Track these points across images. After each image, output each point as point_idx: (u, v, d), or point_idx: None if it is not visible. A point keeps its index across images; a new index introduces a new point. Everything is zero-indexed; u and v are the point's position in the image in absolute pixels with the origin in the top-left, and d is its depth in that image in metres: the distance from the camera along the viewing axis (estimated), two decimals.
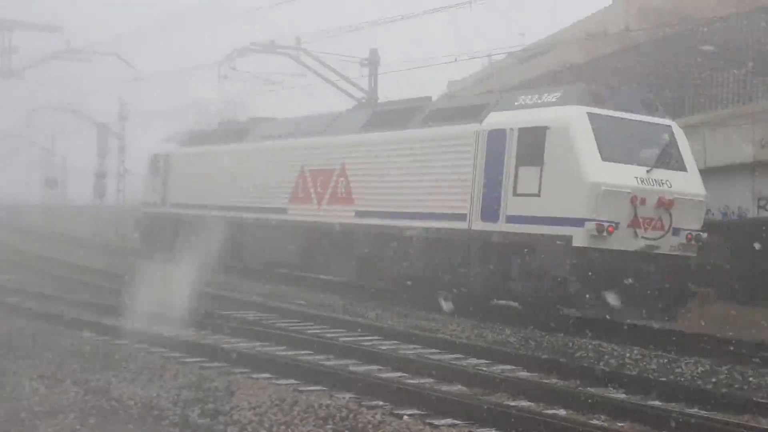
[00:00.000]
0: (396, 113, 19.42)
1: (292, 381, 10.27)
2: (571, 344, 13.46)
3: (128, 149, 43.29)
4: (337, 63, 25.39)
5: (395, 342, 13.44)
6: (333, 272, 20.98)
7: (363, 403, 9.08)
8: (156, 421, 8.73)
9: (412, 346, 13.02)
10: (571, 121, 14.96)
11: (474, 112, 17.08)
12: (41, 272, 24.65)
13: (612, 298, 14.32)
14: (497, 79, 42.93)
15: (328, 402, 8.89)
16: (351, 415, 8.49)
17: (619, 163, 14.89)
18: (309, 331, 14.16)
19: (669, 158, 15.50)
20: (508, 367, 11.51)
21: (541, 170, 15.09)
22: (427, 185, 17.42)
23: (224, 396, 9.44)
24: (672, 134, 15.85)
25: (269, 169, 22.20)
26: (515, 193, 15.53)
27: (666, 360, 12.33)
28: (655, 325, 15.65)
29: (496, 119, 16.33)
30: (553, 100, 15.68)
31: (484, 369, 11.06)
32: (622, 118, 15.41)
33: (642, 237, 14.74)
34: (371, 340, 13.66)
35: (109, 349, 12.20)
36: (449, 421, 8.58)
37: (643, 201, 14.67)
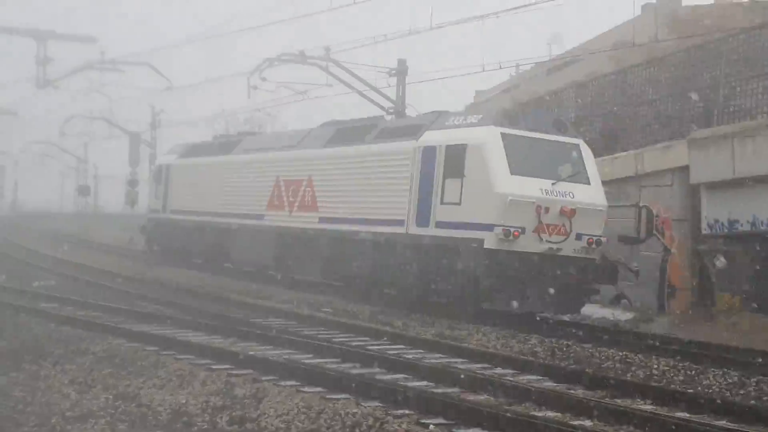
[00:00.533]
0: (354, 130, 21.56)
1: (319, 389, 10.33)
2: (597, 354, 13.43)
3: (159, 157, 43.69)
4: (366, 73, 25.54)
5: (421, 351, 13.47)
6: (302, 272, 22.75)
7: (389, 411, 9.12)
8: (185, 427, 8.84)
9: (437, 355, 13.05)
10: (485, 139, 17.05)
11: (413, 131, 19.17)
12: (74, 279, 24.96)
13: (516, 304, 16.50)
14: (525, 88, 42.88)
15: (355, 410, 8.95)
16: (377, 424, 8.54)
17: (527, 176, 16.85)
18: (335, 339, 14.23)
19: (574, 172, 17.38)
20: (535, 377, 11.51)
21: (462, 182, 17.21)
22: (375, 194, 19.51)
23: (252, 403, 9.54)
24: (579, 151, 17.81)
25: (250, 179, 24.60)
26: (442, 202, 17.58)
27: (693, 371, 12.26)
28: (683, 336, 15.62)
29: (429, 137, 18.42)
30: (475, 121, 17.88)
31: (510, 379, 11.07)
32: (531, 137, 17.37)
33: (546, 241, 16.71)
34: (397, 348, 13.71)
35: (139, 356, 12.35)
36: (475, 431, 8.61)
37: (546, 210, 16.62)
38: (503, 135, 17.08)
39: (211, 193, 26.53)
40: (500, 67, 23.19)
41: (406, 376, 11.28)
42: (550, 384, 11.07)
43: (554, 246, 16.74)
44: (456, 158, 17.45)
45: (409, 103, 25.86)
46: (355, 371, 11.38)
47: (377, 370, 11.66)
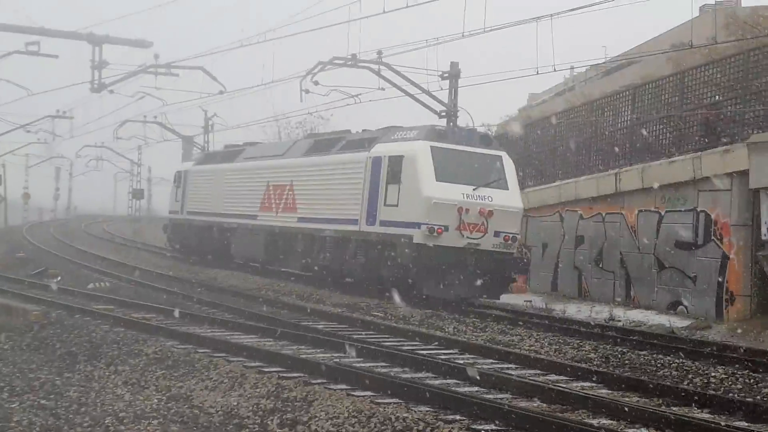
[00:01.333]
0: (326, 142, 25.03)
1: (369, 393, 10.29)
2: (653, 362, 13.18)
3: None
4: (418, 76, 25.44)
5: (472, 356, 13.36)
6: (287, 265, 26.10)
7: (440, 417, 9.03)
8: (236, 429, 8.85)
9: (489, 361, 12.93)
10: (417, 151, 20.22)
11: (367, 143, 22.30)
12: (127, 280, 25.29)
13: None
14: (579, 91, 42.46)
15: (405, 415, 8.87)
16: (428, 429, 8.45)
17: (451, 182, 19.94)
18: (385, 343, 14.18)
19: (494, 179, 20.55)
20: (588, 384, 11.33)
21: (399, 187, 20.40)
22: (336, 197, 22.81)
23: (302, 406, 9.52)
24: (501, 162, 20.94)
25: (247, 184, 28.02)
26: (385, 204, 20.70)
27: (752, 380, 11.97)
28: (742, 345, 15.27)
29: (378, 149, 21.53)
30: (412, 136, 20.98)
31: (564, 385, 10.90)
32: (457, 150, 20.49)
33: (467, 237, 19.85)
34: (448, 353, 13.61)
35: (191, 357, 12.42)
36: None
37: (467, 211, 19.80)
38: (432, 148, 20.20)
39: (217, 197, 29.92)
40: (554, 70, 22.91)
41: (456, 381, 11.18)
42: (605, 391, 10.88)
43: (474, 241, 19.94)
44: (395, 167, 20.60)
45: (461, 106, 25.74)
46: (405, 375, 11.31)
47: (427, 374, 11.59)
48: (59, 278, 26.66)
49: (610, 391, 10.90)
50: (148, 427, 8.68)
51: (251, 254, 27.57)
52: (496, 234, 20.07)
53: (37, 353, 13.39)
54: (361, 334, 15.50)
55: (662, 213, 21.03)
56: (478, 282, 20.05)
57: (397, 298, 20.02)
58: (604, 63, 40.69)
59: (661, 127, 22.09)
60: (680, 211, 20.49)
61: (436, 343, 14.55)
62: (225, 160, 31.01)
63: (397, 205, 20.39)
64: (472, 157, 20.63)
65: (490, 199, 20.12)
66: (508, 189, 20.65)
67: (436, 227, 19.60)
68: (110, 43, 24.52)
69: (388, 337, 15.30)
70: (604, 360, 13.42)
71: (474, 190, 20.03)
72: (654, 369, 12.74)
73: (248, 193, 27.71)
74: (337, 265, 22.76)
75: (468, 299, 20.65)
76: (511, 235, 20.29)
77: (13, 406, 9.63)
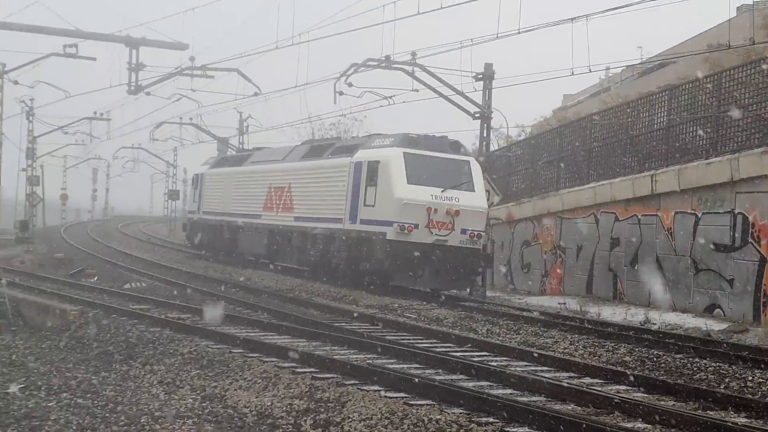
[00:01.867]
0: (319, 148, 27.51)
1: (402, 394, 10.29)
2: (689, 365, 13.04)
3: None
4: (452, 78, 25.39)
5: (506, 358, 13.31)
6: (285, 260, 28.14)
7: (473, 419, 9.01)
8: (270, 429, 8.89)
9: (523, 363, 12.87)
10: (391, 157, 22.35)
11: (351, 149, 24.57)
12: (164, 281, 25.52)
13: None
14: (615, 92, 42.14)
15: (438, 417, 8.86)
16: (461, 431, 8.44)
17: (421, 185, 22.02)
18: (418, 345, 14.17)
19: (463, 181, 22.54)
20: (623, 387, 11.24)
21: (376, 189, 22.51)
22: (325, 198, 24.99)
23: (336, 407, 9.54)
24: (469, 166, 22.97)
25: (252, 186, 30.37)
26: (364, 204, 22.80)
27: None
28: None
29: (360, 155, 23.65)
30: (388, 143, 23.20)
31: (598, 389, 10.82)
32: (428, 155, 22.50)
33: (435, 234, 21.97)
34: (481, 355, 13.57)
35: (226, 357, 12.50)
36: None
37: (435, 210, 21.92)
38: (405, 154, 22.33)
39: (228, 198, 32.48)
40: (590, 71, 22.77)
41: (490, 383, 11.15)
42: (640, 395, 10.79)
43: (442, 238, 22.06)
44: (373, 171, 22.72)
45: (495, 107, 25.67)
46: (438, 377, 11.29)
47: (461, 376, 11.56)
48: (96, 278, 26.96)
49: (645, 395, 10.81)
50: (183, 427, 8.74)
51: (256, 250, 30.10)
52: (463, 231, 22.30)
53: (74, 352, 13.56)
54: (394, 336, 15.50)
55: (699, 215, 20.81)
56: (446, 275, 22.47)
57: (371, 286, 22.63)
58: (640, 64, 40.36)
59: (698, 128, 21.85)
60: (717, 213, 20.25)
61: (470, 345, 14.51)
62: (234, 164, 33.56)
63: (374, 206, 22.62)
64: (441, 162, 22.73)
65: (457, 200, 22.31)
66: (474, 191, 22.81)
67: (406, 225, 21.82)
68: (147, 45, 24.76)
69: (421, 339, 15.29)
70: (639, 363, 13.30)
71: (442, 191, 22.16)
72: (690, 372, 12.61)
73: (253, 195, 30.03)
74: (325, 260, 25.01)
75: (438, 290, 22.97)
76: (476, 233, 22.56)
77: (50, 404, 9.76)
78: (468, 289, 24.23)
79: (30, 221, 42.40)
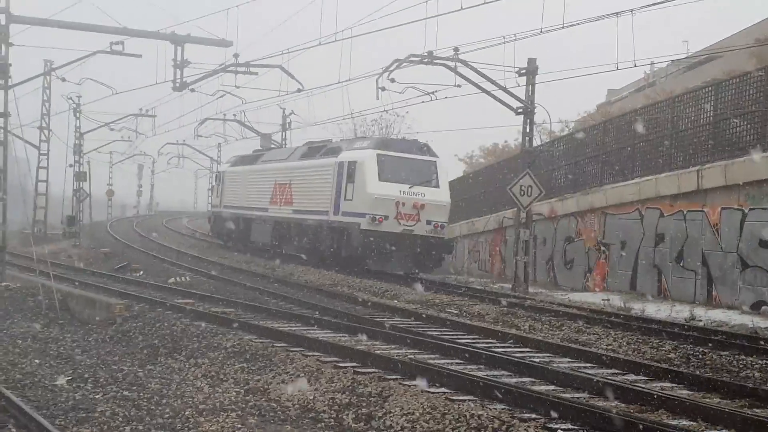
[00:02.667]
0: (315, 149, 30.83)
1: (444, 390, 10.29)
2: (735, 362, 12.86)
3: None
4: (495, 73, 25.25)
5: (548, 354, 13.24)
6: (287, 249, 31.13)
7: (515, 415, 8.98)
8: (312, 423, 8.95)
9: (566, 360, 12.79)
10: (366, 158, 25.97)
11: (338, 151, 28.29)
12: (207, 275, 25.76)
13: None
14: (660, 87, 41.65)
15: (480, 412, 8.84)
16: (503, 427, 8.41)
17: (391, 182, 25.61)
18: (460, 341, 14.15)
19: (427, 180, 26.12)
20: (668, 384, 11.12)
21: (354, 185, 26.01)
22: (316, 193, 28.46)
23: (377, 401, 9.56)
24: (435, 166, 26.59)
25: (261, 183, 33.80)
26: (345, 199, 26.32)
27: None
28: None
29: (343, 155, 27.34)
30: (365, 145, 27.30)
31: (642, 386, 10.72)
32: (398, 156, 26.17)
33: (403, 224, 25.55)
34: (523, 351, 13.52)
35: (269, 351, 12.59)
36: None
37: (403, 204, 25.54)
38: (378, 155, 25.92)
39: (243, 193, 36.00)
40: (635, 65, 22.48)
41: (532, 379, 11.10)
42: (685, 392, 10.67)
43: (409, 228, 25.64)
44: (352, 170, 26.22)
45: (538, 102, 25.46)
46: (480, 373, 11.27)
47: (503, 372, 11.53)
48: (141, 272, 27.31)
49: (690, 392, 10.69)
50: (227, 420, 8.83)
51: (264, 240, 33.36)
52: (428, 222, 25.88)
53: (120, 345, 13.76)
54: (436, 331, 15.50)
55: (746, 210, 20.50)
56: (413, 260, 26.15)
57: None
58: (685, 58, 39.84)
59: (745, 123, 21.50)
60: (765, 208, 19.92)
61: (512, 340, 14.46)
62: (249, 163, 37.03)
63: (352, 200, 26.12)
64: (410, 162, 26.32)
65: (422, 195, 25.89)
66: (438, 187, 26.36)
67: (378, 216, 25.37)
68: (192, 42, 24.93)
69: (462, 335, 15.27)
70: (684, 360, 13.15)
71: (410, 188, 25.74)
72: (736, 370, 12.43)
73: (262, 190, 33.55)
74: (315, 247, 28.55)
75: (408, 273, 26.55)
76: (440, 223, 26.15)
77: (97, 396, 9.92)
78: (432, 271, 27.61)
79: (77, 216, 43.01)
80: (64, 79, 34.95)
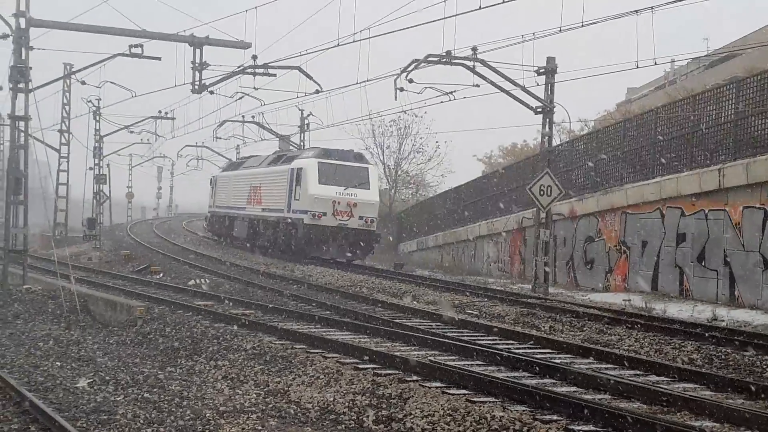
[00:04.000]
0: (278, 157, 36.82)
1: (464, 391, 10.24)
2: (759, 363, 12.74)
3: None
4: (513, 72, 25.13)
5: (569, 355, 13.16)
6: (259, 242, 35.41)
7: (537, 416, 8.92)
8: (332, 424, 8.93)
9: (587, 361, 12.71)
10: (309, 165, 31.60)
11: (292, 159, 33.92)
12: (227, 277, 25.81)
13: None
14: (680, 85, 41.38)
15: (501, 414, 8.79)
16: (525, 429, 8.36)
17: (329, 185, 30.97)
18: (480, 342, 14.09)
19: (360, 183, 31.52)
20: (691, 385, 11.02)
21: (300, 188, 31.54)
22: (276, 194, 33.92)
23: (397, 403, 9.53)
24: (367, 171, 32.14)
25: (241, 186, 39.45)
26: (294, 199, 31.94)
27: None
28: None
29: (294, 163, 32.90)
30: (309, 155, 32.81)
31: (665, 387, 10.63)
32: (336, 164, 31.63)
33: (339, 220, 30.90)
34: (544, 352, 13.44)
35: (288, 353, 12.59)
36: None
37: (339, 203, 30.89)
38: (318, 162, 31.57)
39: (228, 195, 41.75)
40: (655, 63, 22.29)
41: (553, 381, 11.03)
42: (708, 393, 10.57)
43: (344, 222, 31.05)
44: (299, 175, 31.89)
45: (557, 101, 25.32)
46: (500, 375, 11.21)
47: (523, 374, 11.47)
48: (161, 275, 27.40)
49: (713, 393, 10.59)
50: (247, 422, 8.83)
51: (242, 235, 38.53)
52: (360, 218, 31.18)
53: (140, 347, 13.81)
54: (455, 332, 15.45)
55: None
56: (347, 249, 31.40)
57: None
58: (706, 56, 39.56)
59: (767, 120, 21.30)
60: None
61: (532, 341, 14.38)
62: (234, 169, 43.29)
63: (299, 200, 31.66)
64: (345, 168, 31.68)
65: (355, 195, 31.24)
66: (369, 189, 31.77)
67: (317, 213, 30.84)
68: (210, 45, 24.96)
69: (483, 335, 15.21)
70: (707, 361, 13.04)
71: (345, 189, 31.11)
72: (760, 370, 12.32)
73: (241, 192, 39.10)
74: (274, 239, 33.91)
75: (345, 260, 31.58)
76: (370, 218, 31.54)
77: (118, 398, 9.94)
78: (365, 258, 32.83)
79: (97, 219, 43.23)
80: (83, 82, 35.14)
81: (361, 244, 31.59)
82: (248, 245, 36.79)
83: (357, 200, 31.14)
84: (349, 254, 31.71)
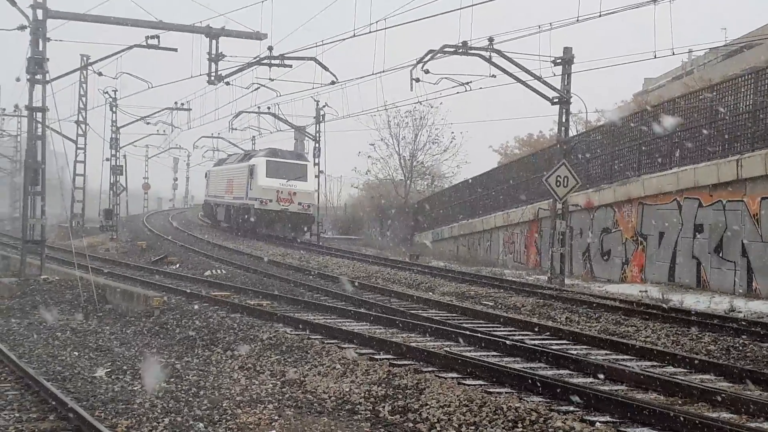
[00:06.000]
0: (245, 156, 44.86)
1: (480, 382, 10.24)
2: None
3: (324, 151, 44.75)
4: (530, 63, 25.01)
5: (585, 347, 13.13)
6: (234, 225, 43.13)
7: (553, 407, 8.91)
8: (348, 415, 8.94)
9: (603, 352, 12.67)
10: (259, 163, 39.20)
11: (251, 157, 41.65)
12: (243, 268, 25.89)
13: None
14: (698, 75, 41.10)
15: (518, 405, 8.79)
16: (541, 420, 8.35)
17: (274, 178, 38.55)
18: (496, 333, 14.07)
19: (299, 176, 39.25)
20: (708, 376, 10.98)
21: (253, 180, 39.01)
22: (239, 186, 41.72)
23: (413, 394, 9.54)
24: (306, 167, 40.04)
25: (222, 179, 46.93)
26: (249, 189, 39.40)
27: None
28: None
29: (251, 161, 40.66)
30: (261, 154, 40.65)
31: (682, 378, 10.59)
32: (280, 161, 39.56)
33: (282, 205, 38.44)
34: (560, 343, 13.41)
35: (304, 343, 12.62)
36: (645, 430, 8.27)
37: (282, 192, 38.42)
38: (267, 161, 39.42)
39: (215, 187, 49.02)
40: (673, 54, 22.14)
41: (570, 371, 11.01)
42: (725, 384, 10.52)
43: (286, 207, 38.68)
44: (253, 170, 39.63)
45: (574, 92, 25.20)
46: (517, 365, 11.20)
47: (540, 365, 11.45)
48: (178, 265, 27.51)
49: (730, 384, 10.55)
50: (264, 411, 8.86)
51: (222, 218, 46.57)
52: (299, 204, 39.01)
53: (157, 338, 13.87)
54: (471, 323, 15.44)
55: None
56: (288, 228, 39.22)
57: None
58: (724, 46, 39.27)
59: None
60: None
61: (548, 333, 14.36)
62: (219, 165, 50.98)
63: (252, 189, 39.48)
64: (288, 165, 39.67)
65: (295, 186, 39.04)
66: (306, 181, 39.78)
67: (265, 200, 38.75)
68: (226, 36, 24.98)
69: (498, 327, 15.20)
70: (724, 352, 12.98)
71: (287, 181, 38.82)
72: None
73: (222, 184, 46.46)
74: (238, 221, 42.01)
75: (286, 237, 39.30)
76: (306, 204, 39.38)
77: (135, 388, 10.00)
78: (306, 236, 40.73)
79: (114, 210, 43.44)
80: (100, 74, 35.19)
81: (300, 224, 39.67)
82: (226, 226, 45.19)
83: (296, 190, 38.98)
84: (292, 233, 39.48)
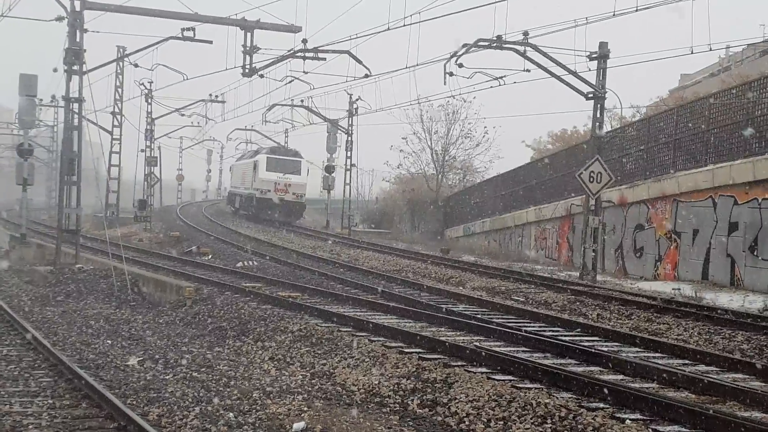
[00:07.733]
0: (253, 153, 52.21)
1: (510, 377, 10.22)
2: None
3: (357, 144, 44.94)
4: (565, 57, 24.80)
5: (617, 344, 13.05)
6: (244, 211, 50.22)
7: (582, 404, 8.87)
8: (377, 407, 8.97)
9: (634, 349, 12.59)
10: (260, 159, 47.43)
11: (256, 154, 49.57)
12: (274, 260, 26.02)
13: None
14: (735, 72, 40.60)
15: (547, 401, 8.76)
16: (570, 416, 8.32)
17: (273, 172, 46.40)
18: (526, 329, 14.02)
19: (293, 171, 46.71)
20: (740, 375, 10.87)
21: (256, 174, 46.93)
22: (248, 178, 48.52)
23: (442, 388, 9.55)
24: (300, 163, 47.52)
25: (239, 172, 53.21)
26: (254, 181, 47.16)
27: None
28: None
29: (255, 157, 48.79)
30: (263, 152, 48.95)
31: (714, 377, 10.49)
32: (278, 158, 47.29)
33: (279, 195, 46.12)
34: (591, 340, 13.34)
35: (334, 336, 12.66)
36: (675, 428, 8.22)
37: (279, 183, 46.16)
38: (267, 157, 46.65)
39: (235, 179, 55.30)
40: (710, 49, 21.92)
41: (600, 368, 10.95)
42: (758, 383, 10.41)
43: (282, 197, 45.54)
44: (256, 165, 46.56)
45: (609, 87, 24.99)
46: (547, 361, 11.16)
47: (570, 361, 11.40)
48: (210, 256, 27.71)
49: (763, 383, 10.43)
50: (293, 402, 8.91)
51: (237, 206, 52.42)
52: (294, 194, 45.91)
53: (189, 328, 14.00)
54: (502, 319, 15.41)
55: None
56: (285, 215, 45.44)
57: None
58: (762, 42, 38.73)
59: None
60: None
61: (579, 329, 14.29)
62: (238, 160, 57.41)
63: (255, 181, 46.29)
64: (285, 161, 46.42)
65: (290, 179, 45.68)
66: (300, 175, 46.45)
67: (264, 190, 45.67)
68: (261, 28, 25.06)
69: (529, 322, 15.15)
70: (757, 351, 12.84)
71: (284, 175, 45.47)
72: None
73: (239, 177, 52.74)
74: (246, 209, 48.90)
75: (283, 222, 44.41)
76: (299, 194, 46.33)
77: (167, 377, 10.10)
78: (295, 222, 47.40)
79: (148, 201, 43.83)
80: (136, 65, 35.40)
81: (294, 211, 46.89)
82: (243, 213, 50.59)
83: (291, 182, 45.94)
84: (288, 218, 45.88)
